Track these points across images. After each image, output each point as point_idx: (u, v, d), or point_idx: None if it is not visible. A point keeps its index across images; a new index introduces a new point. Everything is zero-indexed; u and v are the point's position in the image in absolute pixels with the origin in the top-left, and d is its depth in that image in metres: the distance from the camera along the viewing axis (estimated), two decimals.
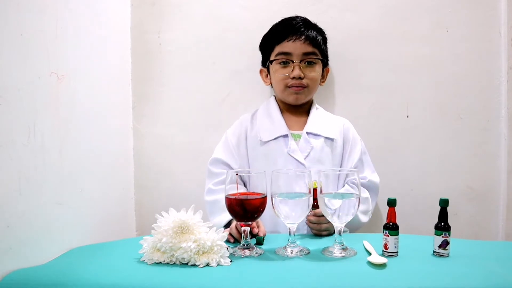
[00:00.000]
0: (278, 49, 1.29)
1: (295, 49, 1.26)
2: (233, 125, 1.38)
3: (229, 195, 0.98)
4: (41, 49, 0.98)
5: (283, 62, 1.28)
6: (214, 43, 1.50)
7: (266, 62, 1.35)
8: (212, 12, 1.49)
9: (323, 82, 1.37)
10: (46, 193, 0.99)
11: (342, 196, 0.96)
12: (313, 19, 1.35)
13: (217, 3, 1.49)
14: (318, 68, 1.30)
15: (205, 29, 1.50)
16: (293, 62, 1.26)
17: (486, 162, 1.48)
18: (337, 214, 0.95)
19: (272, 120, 1.32)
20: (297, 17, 1.33)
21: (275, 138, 1.29)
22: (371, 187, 1.29)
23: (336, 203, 0.95)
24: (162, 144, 1.54)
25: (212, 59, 1.50)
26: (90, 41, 1.22)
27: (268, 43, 1.33)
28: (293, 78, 1.27)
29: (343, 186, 1.23)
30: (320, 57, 1.30)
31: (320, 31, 1.33)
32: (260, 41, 1.38)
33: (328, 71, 1.38)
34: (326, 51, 1.35)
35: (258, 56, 1.47)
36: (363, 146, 1.34)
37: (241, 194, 0.99)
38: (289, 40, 1.26)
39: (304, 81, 1.28)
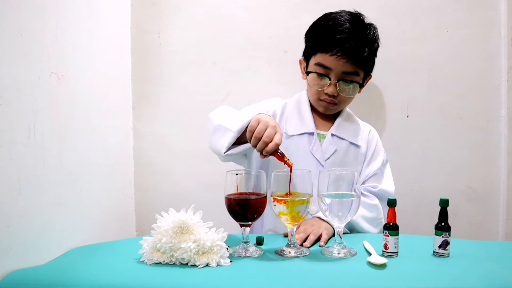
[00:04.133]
0: (319, 57, 1.21)
1: (335, 66, 1.19)
2: (262, 102, 1.32)
3: (229, 195, 0.98)
4: (41, 49, 0.98)
5: (321, 75, 1.21)
6: (214, 43, 1.50)
7: (307, 56, 1.27)
8: (212, 12, 1.49)
9: (361, 89, 1.29)
10: (46, 193, 0.99)
11: (341, 197, 0.96)
12: (313, 19, 1.33)
13: (217, 3, 1.49)
14: (355, 87, 1.23)
15: (205, 29, 1.50)
16: (330, 79, 1.20)
17: (486, 162, 1.48)
18: (336, 214, 0.95)
19: (301, 115, 1.29)
20: (350, 18, 1.22)
21: (300, 134, 1.26)
22: (382, 196, 1.23)
23: (327, 201, 0.95)
24: (162, 144, 1.54)
25: (212, 59, 1.51)
26: (90, 41, 1.22)
27: (313, 43, 1.24)
28: (326, 93, 1.22)
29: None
30: (358, 80, 1.22)
31: (373, 41, 1.23)
32: (259, 41, 1.37)
33: (369, 78, 1.31)
34: (373, 61, 1.27)
35: (258, 56, 1.47)
36: (385, 159, 1.30)
37: (241, 194, 0.99)
38: (333, 55, 1.17)
39: (337, 99, 1.23)
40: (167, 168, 1.54)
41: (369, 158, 1.29)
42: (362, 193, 1.23)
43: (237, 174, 0.99)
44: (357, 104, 1.47)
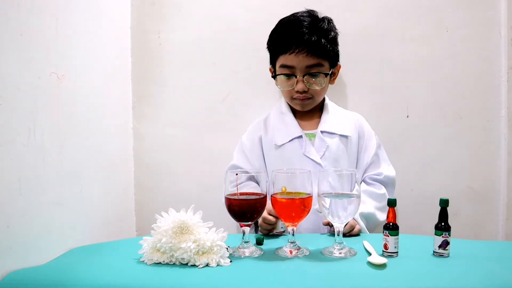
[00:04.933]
0: (282, 59, 1.26)
1: (298, 63, 1.22)
2: (247, 132, 1.38)
3: (228, 195, 0.98)
4: (41, 49, 0.98)
5: (287, 75, 1.26)
6: (214, 43, 1.50)
7: (273, 63, 1.32)
8: (212, 12, 1.49)
9: (333, 80, 1.33)
10: (46, 193, 0.99)
11: (342, 197, 0.96)
12: None
13: (217, 3, 1.49)
14: (323, 78, 1.26)
15: (205, 29, 1.50)
16: (296, 77, 1.24)
17: (486, 162, 1.48)
18: (336, 215, 0.95)
19: (285, 122, 1.32)
20: (303, 16, 1.26)
21: (289, 141, 1.28)
22: (387, 182, 1.30)
23: (327, 201, 0.95)
24: (162, 144, 1.54)
25: (212, 59, 1.50)
26: (90, 41, 1.22)
27: (273, 49, 1.30)
28: (297, 91, 1.25)
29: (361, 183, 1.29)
30: (324, 70, 1.25)
31: (327, 31, 1.26)
32: (259, 41, 1.37)
33: (339, 68, 1.34)
34: (336, 49, 1.30)
35: (258, 56, 1.47)
36: (378, 139, 1.34)
37: (241, 194, 0.99)
38: (292, 53, 1.22)
39: (309, 93, 1.26)
40: (167, 168, 1.54)
41: (365, 145, 1.32)
42: (368, 182, 1.28)
43: (236, 174, 0.99)
44: (357, 104, 1.48)
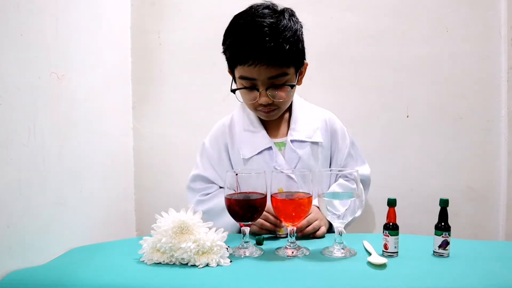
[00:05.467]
0: (240, 70, 1.10)
1: (258, 75, 1.07)
2: (209, 137, 1.27)
3: (229, 195, 0.98)
4: (41, 49, 0.98)
5: (247, 87, 1.11)
6: (214, 43, 1.49)
7: (231, 68, 1.16)
8: (212, 12, 1.49)
9: (301, 80, 1.18)
10: (46, 193, 0.99)
11: (342, 196, 0.96)
12: (313, 19, 1.32)
13: (217, 3, 1.49)
14: (288, 88, 1.11)
15: (205, 29, 1.50)
16: (258, 90, 1.10)
17: (486, 162, 1.48)
18: (340, 216, 0.95)
19: (252, 131, 1.21)
20: (261, 16, 1.07)
21: (258, 153, 1.18)
22: (363, 181, 1.25)
23: (341, 208, 0.94)
24: (162, 144, 1.54)
25: (212, 59, 1.50)
26: (90, 41, 1.22)
27: (229, 57, 1.14)
28: (261, 104, 1.12)
29: (335, 181, 1.21)
30: (289, 79, 1.10)
31: (290, 31, 1.07)
32: None
33: (306, 66, 1.17)
34: (301, 48, 1.12)
35: None
36: (351, 137, 1.26)
37: (241, 193, 0.99)
38: (251, 65, 1.06)
39: (274, 104, 1.12)
40: (167, 168, 1.54)
41: (338, 147, 1.23)
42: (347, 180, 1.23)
43: (237, 174, 0.99)
44: (357, 104, 1.47)
